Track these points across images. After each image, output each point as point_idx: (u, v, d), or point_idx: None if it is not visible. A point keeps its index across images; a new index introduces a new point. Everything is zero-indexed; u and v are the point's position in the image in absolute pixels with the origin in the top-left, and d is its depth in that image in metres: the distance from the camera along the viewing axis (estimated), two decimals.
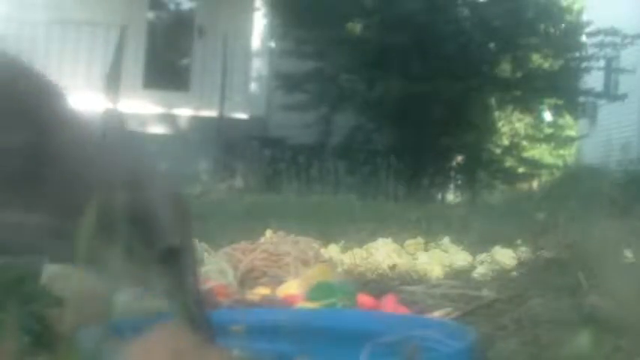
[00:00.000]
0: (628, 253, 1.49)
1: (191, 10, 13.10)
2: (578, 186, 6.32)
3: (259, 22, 12.30)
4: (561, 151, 15.19)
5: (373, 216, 4.00)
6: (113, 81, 10.00)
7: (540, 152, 14.35)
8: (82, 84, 9.09)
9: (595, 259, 1.42)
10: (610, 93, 13.57)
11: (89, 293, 0.94)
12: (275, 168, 8.51)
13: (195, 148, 10.64)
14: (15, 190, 1.02)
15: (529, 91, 11.38)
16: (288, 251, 2.15)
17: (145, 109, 11.13)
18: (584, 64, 11.70)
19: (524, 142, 12.84)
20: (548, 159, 14.31)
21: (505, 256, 2.31)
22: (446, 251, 2.62)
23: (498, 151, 12.01)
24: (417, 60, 10.31)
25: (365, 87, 10.66)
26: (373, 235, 2.87)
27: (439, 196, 10.06)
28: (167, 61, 13.04)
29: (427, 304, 1.76)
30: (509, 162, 11.86)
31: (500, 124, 12.64)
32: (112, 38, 10.66)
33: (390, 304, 1.63)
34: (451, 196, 10.63)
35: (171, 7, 13.55)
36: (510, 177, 11.36)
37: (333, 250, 2.57)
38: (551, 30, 11.53)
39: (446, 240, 2.85)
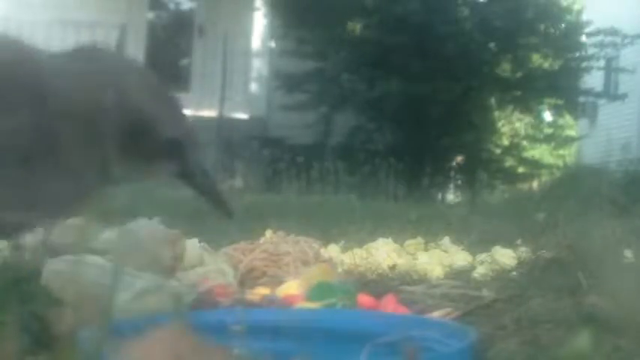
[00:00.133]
0: (628, 253, 1.49)
1: (191, 10, 13.10)
2: (578, 186, 6.32)
3: (259, 22, 12.30)
4: (561, 151, 15.18)
5: (373, 216, 4.00)
6: None
7: (540, 152, 14.35)
8: None
9: (595, 259, 1.42)
10: (610, 93, 13.58)
11: (89, 293, 0.94)
12: (275, 168, 8.51)
13: None
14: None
15: (529, 91, 11.39)
16: (288, 251, 2.15)
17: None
18: (584, 64, 11.70)
19: (524, 142, 12.85)
20: (548, 159, 14.31)
21: (505, 256, 2.31)
22: (446, 251, 2.62)
23: (498, 151, 12.01)
24: (417, 60, 10.31)
25: (365, 87, 10.67)
26: (373, 235, 2.87)
27: (439, 196, 10.06)
28: (167, 61, 13.04)
29: (427, 304, 1.75)
30: (509, 162, 11.86)
31: (500, 124, 12.64)
32: (112, 38, 10.66)
33: (390, 304, 1.63)
34: (451, 196, 10.63)
35: (171, 7, 13.56)
36: (510, 177, 11.37)
37: (333, 250, 2.57)
38: (551, 30, 11.53)
39: (446, 240, 2.85)
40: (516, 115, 12.86)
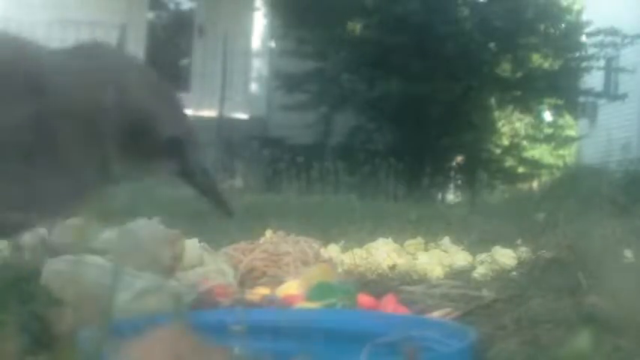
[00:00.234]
0: (628, 253, 1.49)
1: (191, 10, 13.10)
2: (578, 186, 6.32)
3: (259, 22, 12.30)
4: (561, 151, 15.18)
5: (373, 216, 4.00)
6: None
7: (540, 152, 14.34)
8: None
9: (595, 259, 1.42)
10: (610, 93, 13.57)
11: (89, 293, 0.94)
12: (275, 168, 8.50)
13: None
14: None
15: (529, 91, 11.38)
16: (288, 251, 2.16)
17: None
18: (584, 64, 11.70)
19: (524, 142, 12.84)
20: (548, 159, 14.31)
21: (505, 256, 2.31)
22: (446, 251, 2.62)
23: (498, 151, 12.01)
24: (417, 60, 10.31)
25: (365, 87, 10.67)
26: (373, 235, 2.87)
27: (439, 196, 10.05)
28: (167, 61, 13.04)
29: (427, 304, 1.76)
30: (509, 162, 11.86)
31: (500, 124, 12.64)
32: (112, 38, 10.66)
33: (390, 305, 1.63)
34: (451, 196, 10.63)
35: (171, 6, 13.56)
36: (510, 177, 11.37)
37: (333, 250, 2.57)
38: (551, 30, 11.53)
39: (446, 240, 2.85)
40: (516, 115, 12.86)
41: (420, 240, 2.77)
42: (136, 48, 11.54)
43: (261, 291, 1.80)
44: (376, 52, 10.54)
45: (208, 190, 1.15)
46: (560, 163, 13.94)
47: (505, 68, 11.70)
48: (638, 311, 1.11)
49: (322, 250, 2.43)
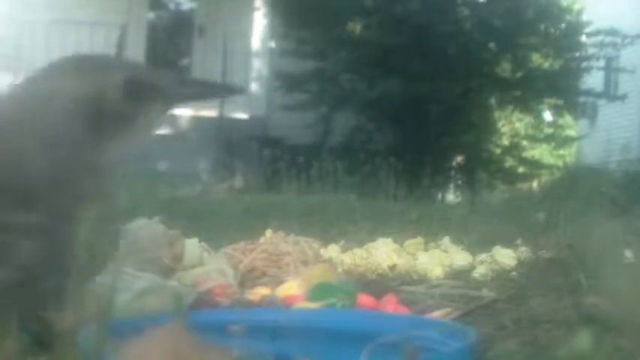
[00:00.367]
0: (628, 253, 1.49)
1: (191, 10, 13.11)
2: (578, 186, 6.32)
3: (259, 22, 12.30)
4: (561, 151, 15.18)
5: (373, 216, 4.00)
6: None
7: (540, 152, 14.35)
8: None
9: (595, 259, 1.42)
10: (610, 93, 13.58)
11: (89, 293, 0.94)
12: (275, 168, 8.50)
13: (195, 148, 10.64)
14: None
15: (529, 91, 11.39)
16: (288, 251, 2.15)
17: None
18: (584, 64, 11.70)
19: (524, 142, 12.85)
20: (548, 159, 14.31)
21: (505, 256, 2.31)
22: (446, 251, 2.62)
23: (498, 151, 12.01)
24: (417, 60, 10.31)
25: (365, 87, 10.67)
26: (373, 235, 2.87)
27: (439, 196, 10.05)
28: (167, 61, 13.04)
29: (427, 304, 1.76)
30: (509, 162, 11.86)
31: (500, 124, 12.64)
32: (112, 38, 10.66)
33: (390, 305, 1.63)
34: (451, 196, 10.63)
35: (171, 7, 13.56)
36: (510, 177, 11.37)
37: (333, 250, 2.57)
38: (551, 30, 11.53)
39: (446, 240, 2.85)
40: (516, 115, 12.86)
41: (420, 240, 2.77)
42: (136, 48, 11.54)
43: (261, 291, 1.80)
44: (376, 52, 10.54)
45: (200, 92, 1.12)
46: (560, 163, 13.95)
47: (505, 68, 11.70)
48: (638, 311, 1.11)
49: (322, 250, 2.43)
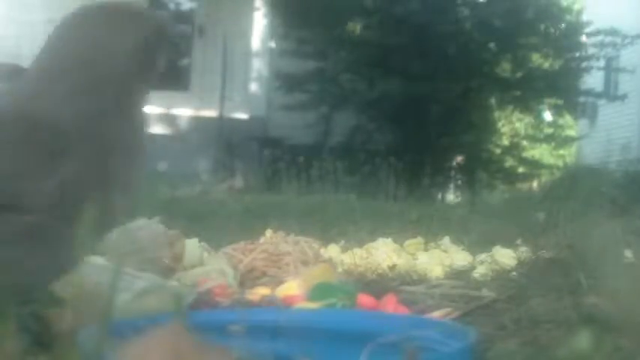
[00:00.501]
0: (628, 253, 1.49)
1: (191, 10, 13.10)
2: (578, 186, 6.32)
3: (259, 22, 12.29)
4: (561, 151, 15.18)
5: (373, 216, 4.00)
6: None
7: (540, 152, 14.35)
8: None
9: (595, 259, 1.42)
10: (610, 93, 13.58)
11: (89, 293, 0.94)
12: (275, 168, 8.50)
13: (195, 148, 10.64)
14: None
15: (529, 91, 11.39)
16: (288, 251, 2.16)
17: (144, 109, 11.11)
18: (584, 64, 11.70)
19: (524, 142, 12.84)
20: (548, 159, 14.31)
21: (505, 256, 2.31)
22: (446, 251, 2.62)
23: (498, 151, 12.01)
24: (417, 60, 10.31)
25: (365, 87, 10.67)
26: (373, 235, 2.87)
27: (439, 196, 10.05)
28: (167, 60, 13.02)
29: (427, 304, 1.76)
30: (509, 162, 11.86)
31: (500, 124, 12.64)
32: None
33: (390, 305, 1.63)
34: (451, 196, 10.62)
35: (171, 7, 13.56)
36: (510, 177, 11.37)
37: (333, 250, 2.57)
38: (551, 30, 11.53)
39: (446, 240, 2.85)
40: (516, 115, 12.86)
41: (420, 240, 2.77)
42: None
43: (261, 291, 1.80)
44: (376, 52, 10.53)
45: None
46: (560, 163, 13.94)
47: (505, 68, 11.70)
48: (638, 311, 1.11)
49: (322, 250, 2.43)
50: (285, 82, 11.04)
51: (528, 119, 13.04)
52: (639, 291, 1.14)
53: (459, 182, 11.24)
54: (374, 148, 10.68)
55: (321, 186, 6.78)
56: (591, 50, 11.63)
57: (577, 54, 11.69)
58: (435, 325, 1.29)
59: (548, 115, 13.27)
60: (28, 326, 1.04)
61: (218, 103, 11.50)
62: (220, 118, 11.41)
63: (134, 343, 0.61)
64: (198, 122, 11.45)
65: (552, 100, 11.87)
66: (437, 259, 2.42)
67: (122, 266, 1.46)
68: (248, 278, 2.04)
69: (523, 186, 10.60)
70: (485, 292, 1.83)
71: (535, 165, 12.13)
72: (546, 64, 11.96)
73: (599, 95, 12.87)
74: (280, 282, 1.89)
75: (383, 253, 2.44)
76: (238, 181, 8.25)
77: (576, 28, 11.89)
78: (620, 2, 14.10)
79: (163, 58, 1.08)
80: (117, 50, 1.05)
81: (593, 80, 12.42)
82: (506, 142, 12.51)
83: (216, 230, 2.84)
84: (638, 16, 12.72)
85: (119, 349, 0.61)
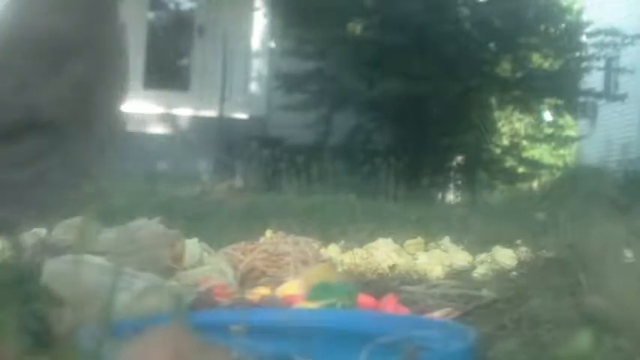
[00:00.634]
0: (628, 253, 1.49)
1: (191, 10, 13.11)
2: (578, 186, 6.32)
3: (259, 22, 12.30)
4: (561, 151, 15.18)
5: (373, 216, 4.00)
6: None
7: (540, 152, 14.35)
8: None
9: (595, 259, 1.42)
10: (610, 93, 13.57)
11: (89, 293, 0.94)
12: (275, 168, 8.51)
13: (195, 148, 10.64)
14: None
15: (529, 91, 11.39)
16: (288, 251, 2.16)
17: (145, 109, 11.13)
18: (584, 64, 11.70)
19: (524, 142, 12.85)
20: (548, 159, 14.31)
21: (505, 256, 2.31)
22: (446, 251, 2.62)
23: (498, 151, 12.01)
24: (417, 60, 10.31)
25: (365, 87, 10.67)
26: (373, 235, 2.87)
27: (439, 196, 10.05)
28: (167, 60, 13.04)
29: (427, 304, 1.76)
30: (509, 162, 11.86)
31: (500, 124, 12.64)
32: None
33: (390, 305, 1.63)
34: (451, 196, 10.63)
35: (171, 7, 13.56)
36: (510, 177, 11.37)
37: (333, 250, 2.58)
38: (551, 30, 11.53)
39: (446, 240, 2.85)
40: (516, 115, 12.86)
41: (420, 240, 2.77)
42: (136, 48, 11.54)
43: (261, 291, 1.80)
44: (376, 52, 10.54)
45: None
46: (560, 163, 13.94)
47: (505, 68, 11.71)
48: (638, 311, 1.11)
49: (322, 250, 2.43)
50: (285, 82, 11.04)
51: (528, 119, 13.05)
52: (639, 291, 1.14)
53: (459, 182, 11.24)
54: (374, 148, 10.68)
55: (321, 186, 6.78)
56: (591, 50, 11.63)
57: (577, 54, 11.69)
58: (435, 325, 1.29)
59: (548, 115, 13.27)
60: (28, 326, 1.04)
61: (218, 103, 11.50)
62: (220, 118, 11.41)
63: (134, 343, 0.61)
64: (198, 122, 11.45)
65: (552, 100, 11.87)
66: (437, 259, 2.43)
67: (122, 266, 1.46)
68: (248, 278, 2.04)
69: (523, 186, 10.60)
70: (485, 292, 1.83)
71: (535, 165, 12.13)
72: (546, 64, 11.97)
73: (599, 95, 12.86)
74: (280, 282, 1.89)
75: (383, 253, 2.45)
76: (238, 181, 8.25)
77: (576, 28, 11.90)
78: (620, 2, 14.10)
79: None
80: None
81: (593, 80, 12.41)
82: (506, 142, 12.51)
83: (216, 230, 2.84)
84: (638, 16, 12.72)
85: (119, 349, 0.61)
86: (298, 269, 2.04)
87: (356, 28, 11.53)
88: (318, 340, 1.24)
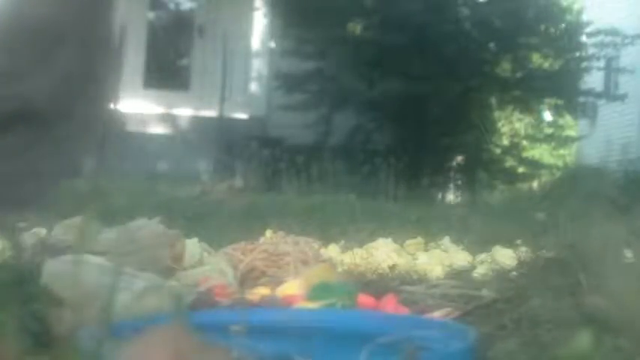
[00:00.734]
0: (628, 253, 1.49)
1: (191, 10, 13.11)
2: (578, 186, 6.32)
3: (259, 22, 12.30)
4: (561, 151, 15.19)
5: (373, 216, 4.00)
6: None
7: (540, 152, 14.35)
8: None
9: (595, 259, 1.42)
10: (610, 93, 13.58)
11: (89, 293, 0.94)
12: (275, 168, 8.51)
13: (195, 148, 10.64)
14: None
15: (529, 91, 11.39)
16: (288, 251, 2.16)
17: (145, 109, 11.13)
18: (584, 64, 11.70)
19: (524, 142, 12.85)
20: (548, 159, 14.31)
21: (505, 256, 2.31)
22: (446, 251, 2.62)
23: (498, 151, 12.01)
24: (417, 60, 10.31)
25: (365, 87, 10.66)
26: (373, 235, 2.87)
27: (439, 196, 10.05)
28: (167, 61, 13.05)
29: (427, 304, 1.76)
30: (509, 162, 11.86)
31: (500, 124, 12.64)
32: None
33: (390, 305, 1.63)
34: (451, 196, 10.63)
35: (171, 7, 13.56)
36: (510, 177, 11.37)
37: (333, 250, 2.58)
38: (551, 30, 11.53)
39: (446, 240, 2.85)
40: (516, 115, 12.86)
41: (420, 240, 2.78)
42: (136, 48, 11.54)
43: (261, 291, 1.80)
44: (376, 52, 10.54)
45: None
46: (560, 163, 13.95)
47: (505, 68, 11.71)
48: (638, 311, 1.11)
49: (322, 250, 2.43)
50: (285, 82, 11.04)
51: (528, 119, 13.05)
52: (639, 291, 1.14)
53: (459, 182, 11.24)
54: (374, 148, 10.68)
55: (321, 186, 6.78)
56: (591, 50, 11.63)
57: (577, 54, 11.69)
58: (435, 325, 1.29)
59: (548, 115, 13.28)
60: (28, 326, 1.04)
61: (218, 103, 11.50)
62: (220, 118, 11.41)
63: (134, 343, 0.61)
64: (198, 122, 11.45)
65: (552, 100, 11.87)
66: (437, 259, 2.43)
67: (122, 266, 1.46)
68: (248, 278, 2.04)
69: (523, 186, 10.60)
70: (485, 292, 1.83)
71: (535, 165, 12.13)
72: (546, 64, 11.97)
73: (599, 95, 12.86)
74: (280, 282, 1.89)
75: (383, 253, 2.45)
76: (238, 181, 8.25)
77: (576, 28, 11.89)
78: (620, 2, 14.10)
79: None
80: None
81: (593, 80, 12.41)
82: (506, 142, 12.51)
83: (216, 230, 2.84)
84: (638, 16, 12.72)
85: (119, 350, 0.61)
86: (298, 269, 2.04)
87: (356, 28, 11.53)
88: (318, 340, 1.24)
